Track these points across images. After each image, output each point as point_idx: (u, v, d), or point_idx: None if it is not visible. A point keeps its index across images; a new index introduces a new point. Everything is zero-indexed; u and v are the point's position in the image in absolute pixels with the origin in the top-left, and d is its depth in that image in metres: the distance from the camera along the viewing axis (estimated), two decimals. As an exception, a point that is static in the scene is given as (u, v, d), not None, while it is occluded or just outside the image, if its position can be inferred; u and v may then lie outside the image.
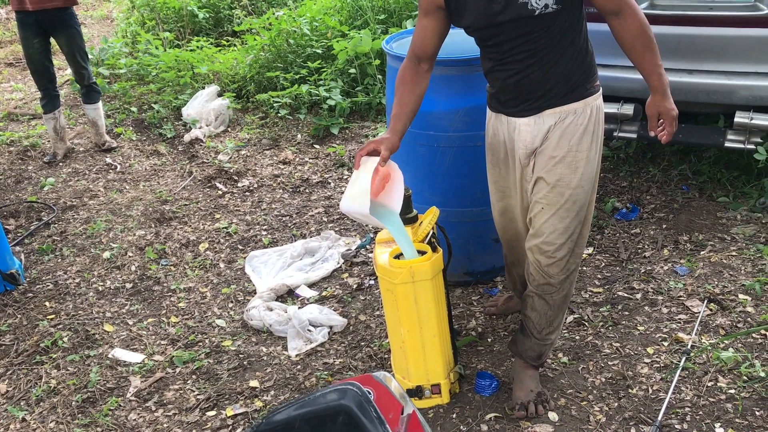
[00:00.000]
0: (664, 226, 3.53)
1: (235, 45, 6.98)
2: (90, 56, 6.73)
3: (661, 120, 2.28)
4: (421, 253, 2.40)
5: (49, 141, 5.42)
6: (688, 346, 2.62)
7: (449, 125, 2.97)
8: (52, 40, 5.00)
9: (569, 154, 2.27)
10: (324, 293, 3.37)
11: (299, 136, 5.18)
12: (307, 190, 4.42)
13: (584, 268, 3.25)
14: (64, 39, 4.90)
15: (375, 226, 2.38)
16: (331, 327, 3.09)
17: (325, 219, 4.06)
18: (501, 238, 2.73)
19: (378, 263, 2.43)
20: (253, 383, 2.79)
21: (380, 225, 2.34)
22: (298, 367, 2.87)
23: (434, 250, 2.43)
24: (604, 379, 2.55)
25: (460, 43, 3.24)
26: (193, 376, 2.88)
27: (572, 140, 2.27)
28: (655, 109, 2.26)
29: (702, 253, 3.25)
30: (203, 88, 5.89)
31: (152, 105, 5.87)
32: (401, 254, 2.44)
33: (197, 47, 6.59)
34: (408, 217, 2.60)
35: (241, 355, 2.98)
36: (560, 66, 2.22)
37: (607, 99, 3.66)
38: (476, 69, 2.89)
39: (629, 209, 3.70)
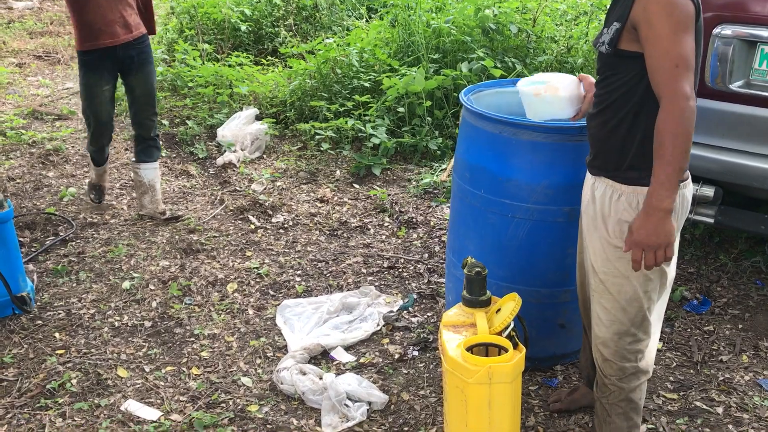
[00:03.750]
0: (740, 326, 3.21)
1: (275, 65, 6.73)
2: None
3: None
4: (501, 348, 2.09)
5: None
6: (789, 487, 2.30)
7: (528, 196, 2.68)
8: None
9: (614, 240, 2.04)
10: (362, 359, 3.05)
11: (338, 172, 4.89)
12: (345, 235, 4.11)
13: (654, 366, 2.93)
14: (144, 76, 3.82)
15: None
16: (370, 403, 2.77)
17: (364, 270, 3.75)
18: (578, 295, 2.48)
19: (448, 355, 2.12)
20: (283, 465, 2.47)
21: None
22: (334, 449, 2.54)
23: (515, 347, 2.12)
24: None
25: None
26: (215, 446, 2.56)
27: (619, 224, 2.03)
28: (630, 225, 1.94)
29: (787, 365, 2.94)
30: (241, 109, 5.62)
31: (185, 120, 5.60)
32: (475, 346, 2.13)
33: (237, 64, 6.33)
34: (482, 299, 2.30)
35: (269, 426, 2.66)
36: (616, 133, 2.00)
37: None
38: (567, 138, 2.62)
39: (700, 301, 3.39)
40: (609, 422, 2.22)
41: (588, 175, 2.18)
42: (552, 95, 2.40)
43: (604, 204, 2.05)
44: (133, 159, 4.08)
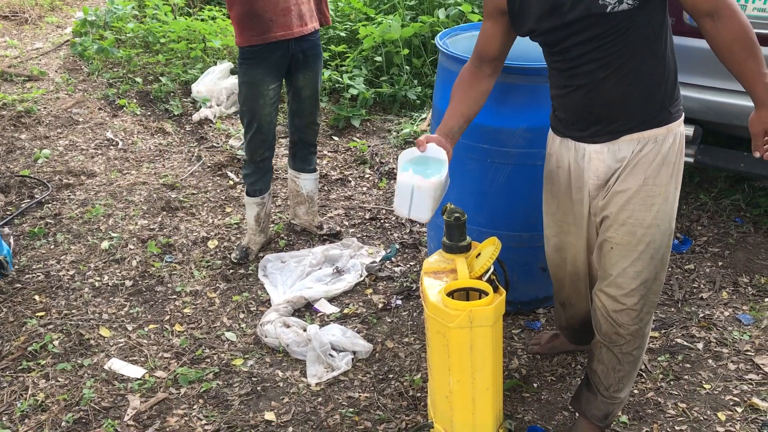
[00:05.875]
0: (720, 263, 3.23)
1: (249, 18, 6.57)
2: (94, 18, 6.35)
3: None
4: (482, 292, 2.09)
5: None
6: (768, 417, 2.34)
7: (508, 140, 2.65)
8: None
9: (644, 188, 1.97)
10: (346, 310, 3.05)
11: (317, 124, 4.82)
12: (326, 188, 4.08)
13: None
14: (314, 75, 3.23)
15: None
16: (354, 353, 2.78)
17: (346, 223, 3.73)
18: (552, 276, 2.43)
19: (429, 301, 2.11)
20: (269, 416, 2.48)
21: (427, 192, 2.03)
22: (319, 399, 2.55)
23: (495, 290, 2.11)
24: (672, 449, 2.26)
25: (529, 48, 2.91)
26: (200, 401, 2.56)
27: (648, 171, 1.97)
28: (761, 125, 1.89)
29: (766, 300, 2.96)
30: (215, 63, 5.51)
31: (159, 77, 5.48)
32: (456, 291, 2.12)
33: (209, 17, 6.17)
34: (461, 245, 2.28)
35: (254, 379, 2.66)
36: (640, 82, 1.90)
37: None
38: (544, 80, 2.55)
39: (681, 240, 3.40)
40: (627, 373, 2.15)
41: (595, 148, 2.01)
42: (445, 184, 2.10)
43: (636, 158, 1.96)
44: (291, 166, 3.49)
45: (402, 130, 4.67)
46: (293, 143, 3.43)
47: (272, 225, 3.65)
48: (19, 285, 3.21)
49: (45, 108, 5.15)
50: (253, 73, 3.08)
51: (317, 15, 3.21)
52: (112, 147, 4.58)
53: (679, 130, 2.00)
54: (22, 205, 3.86)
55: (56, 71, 5.96)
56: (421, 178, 2.03)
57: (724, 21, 1.78)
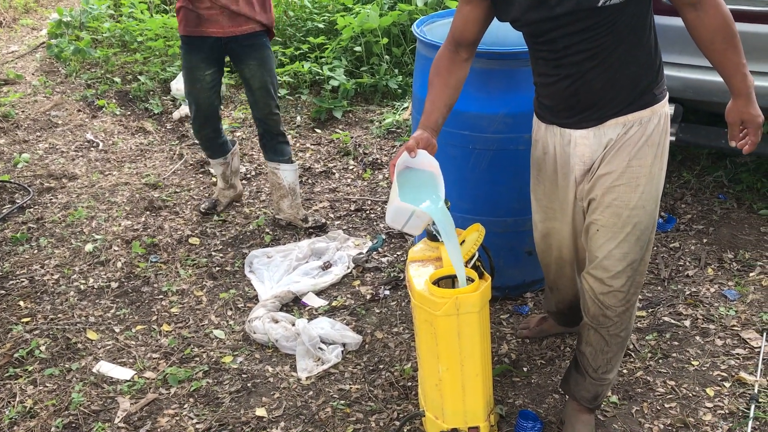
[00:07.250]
0: (705, 240, 3.25)
1: (226, 13, 6.52)
2: (69, 18, 6.28)
3: (744, 128, 1.94)
4: (467, 279, 2.08)
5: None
6: (755, 391, 2.35)
7: (488, 125, 2.64)
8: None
9: (628, 170, 1.97)
10: (334, 303, 3.04)
11: (299, 118, 4.80)
12: (309, 181, 4.06)
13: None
14: (257, 65, 3.27)
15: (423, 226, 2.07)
16: (344, 345, 2.77)
17: (332, 215, 3.71)
18: (540, 261, 2.43)
19: (415, 290, 2.10)
20: (260, 412, 2.47)
21: (425, 219, 2.02)
22: (310, 393, 2.55)
23: (481, 276, 2.11)
24: (662, 426, 2.27)
25: (505, 31, 2.90)
26: (191, 400, 2.55)
27: (632, 152, 1.96)
28: (738, 115, 1.91)
29: (751, 275, 2.98)
30: (194, 59, 5.45)
31: (137, 76, 5.42)
32: (442, 279, 2.12)
33: (186, 14, 6.11)
34: (446, 233, 2.27)
35: (244, 376, 2.65)
36: (628, 69, 1.90)
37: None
38: (523, 63, 2.56)
39: (665, 219, 3.42)
40: (614, 354, 2.15)
41: (581, 133, 2.00)
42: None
43: (621, 141, 1.96)
44: (265, 158, 3.54)
45: (384, 120, 4.65)
46: (261, 135, 3.51)
47: (255, 219, 3.64)
48: (3, 291, 3.17)
49: (23, 111, 5.09)
50: (189, 57, 3.28)
51: (260, 15, 3.22)
52: (92, 148, 4.54)
53: (663, 110, 1.99)
54: (4, 210, 3.82)
55: (33, 74, 5.89)
56: (422, 207, 2.01)
57: (707, 11, 1.79)
